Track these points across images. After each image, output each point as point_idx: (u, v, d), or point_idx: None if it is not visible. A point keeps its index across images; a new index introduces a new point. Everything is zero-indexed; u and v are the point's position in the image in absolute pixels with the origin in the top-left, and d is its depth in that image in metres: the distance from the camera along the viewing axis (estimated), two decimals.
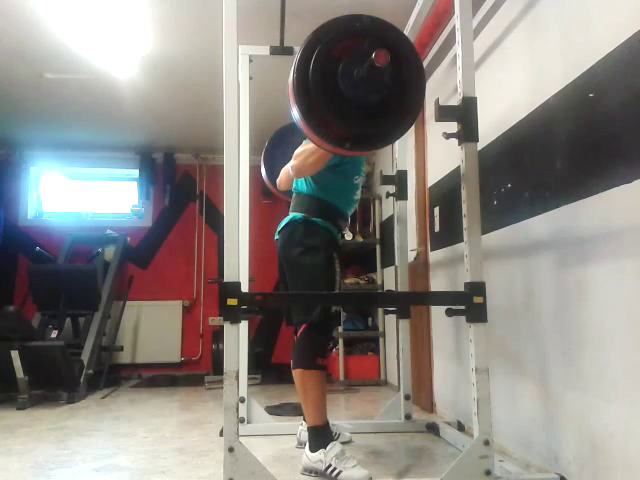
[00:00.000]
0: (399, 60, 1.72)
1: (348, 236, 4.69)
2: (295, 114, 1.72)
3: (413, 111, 1.77)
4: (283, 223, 2.30)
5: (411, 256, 3.51)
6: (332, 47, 1.70)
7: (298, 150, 2.16)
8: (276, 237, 2.33)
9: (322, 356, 2.15)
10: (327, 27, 1.74)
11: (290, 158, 2.20)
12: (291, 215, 2.30)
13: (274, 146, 2.88)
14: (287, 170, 2.37)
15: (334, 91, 1.67)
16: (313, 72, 1.67)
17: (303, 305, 2.19)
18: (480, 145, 1.94)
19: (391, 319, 4.13)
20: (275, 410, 3.38)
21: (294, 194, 2.37)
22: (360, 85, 1.67)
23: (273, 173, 2.72)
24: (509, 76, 2.37)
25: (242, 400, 2.68)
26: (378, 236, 4.85)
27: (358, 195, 2.40)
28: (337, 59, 1.68)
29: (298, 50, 1.72)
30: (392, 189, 3.00)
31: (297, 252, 2.21)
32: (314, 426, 2.09)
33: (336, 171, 2.23)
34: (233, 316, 1.76)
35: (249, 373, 2.90)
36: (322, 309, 2.14)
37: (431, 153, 3.42)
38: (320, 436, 2.06)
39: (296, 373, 2.13)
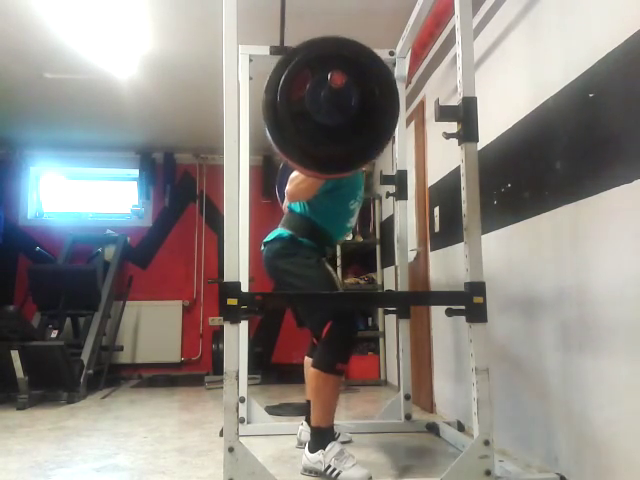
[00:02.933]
0: (365, 77, 1.71)
1: (348, 236, 4.69)
2: (270, 141, 1.73)
3: (384, 132, 1.78)
4: (270, 237, 2.30)
5: (411, 256, 3.51)
6: (299, 71, 1.69)
7: (292, 175, 2.17)
8: (262, 248, 2.33)
9: (343, 361, 2.10)
10: (295, 51, 1.74)
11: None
12: (279, 230, 2.30)
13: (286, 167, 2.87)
14: None
15: (303, 117, 1.68)
16: (281, 102, 1.67)
17: (315, 310, 2.16)
18: (480, 145, 1.94)
19: (391, 319, 4.13)
20: (275, 410, 3.38)
21: (288, 210, 2.36)
22: (325, 108, 1.67)
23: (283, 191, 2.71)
24: (509, 76, 2.37)
25: (242, 400, 2.68)
26: (378, 236, 4.85)
27: (352, 222, 2.39)
28: (303, 86, 1.68)
29: (268, 74, 1.72)
30: (392, 189, 2.99)
31: (284, 263, 2.21)
32: (318, 427, 2.09)
33: (332, 196, 2.22)
34: (233, 316, 1.75)
35: (249, 373, 2.90)
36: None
37: (431, 153, 3.42)
38: (321, 437, 2.06)
39: (313, 372, 2.10)
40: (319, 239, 2.27)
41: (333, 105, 1.67)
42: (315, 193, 2.17)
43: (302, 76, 1.69)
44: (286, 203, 2.42)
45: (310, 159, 1.73)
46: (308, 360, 2.54)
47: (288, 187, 2.19)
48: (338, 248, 4.58)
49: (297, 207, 2.29)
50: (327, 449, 2.02)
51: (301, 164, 1.77)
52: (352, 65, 1.70)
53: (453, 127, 1.90)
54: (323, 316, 2.13)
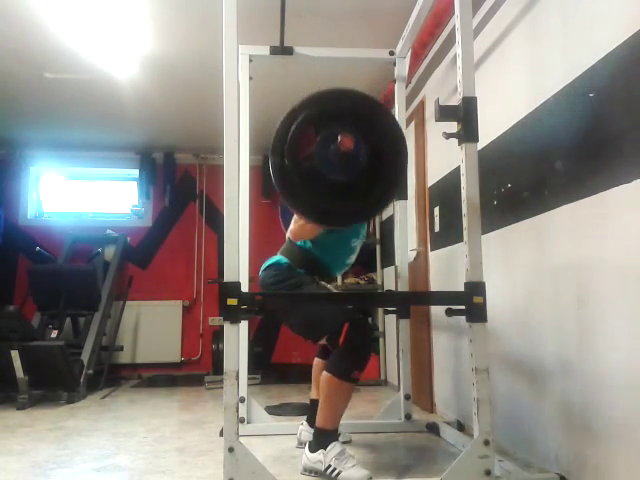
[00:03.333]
0: (374, 132, 1.74)
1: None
2: (275, 185, 1.75)
3: (392, 187, 1.81)
4: (268, 262, 2.32)
5: (411, 256, 3.51)
6: (303, 130, 1.72)
7: (297, 216, 2.18)
8: (260, 274, 2.34)
9: (360, 369, 2.07)
10: (297, 109, 1.76)
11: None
12: (278, 257, 2.32)
13: None
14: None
15: (312, 175, 1.70)
16: (289, 146, 1.70)
17: (325, 318, 2.15)
18: (480, 145, 1.94)
19: (391, 319, 4.13)
20: (275, 410, 3.38)
21: (287, 238, 2.37)
22: (332, 166, 1.69)
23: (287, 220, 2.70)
24: (509, 76, 2.37)
25: (242, 400, 2.68)
26: (378, 236, 4.85)
27: (352, 259, 2.40)
28: (309, 142, 1.71)
29: (278, 122, 1.75)
30: None
31: (280, 288, 2.21)
32: (323, 428, 2.08)
33: (334, 234, 2.23)
34: (233, 316, 1.75)
35: (249, 373, 2.90)
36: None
37: (431, 153, 3.42)
38: (323, 439, 2.06)
39: (326, 377, 2.07)
40: (317, 271, 2.28)
41: (341, 164, 1.69)
42: (318, 233, 2.19)
43: (307, 134, 1.71)
44: (286, 238, 2.42)
45: (318, 214, 1.78)
46: (317, 361, 2.54)
47: (292, 227, 2.22)
48: None
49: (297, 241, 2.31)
50: (328, 449, 2.02)
51: (309, 219, 1.84)
52: (357, 120, 1.73)
53: (453, 127, 1.90)
54: (333, 324, 2.10)
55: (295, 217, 2.22)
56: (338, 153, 1.66)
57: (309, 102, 1.75)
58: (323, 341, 2.21)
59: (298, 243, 2.30)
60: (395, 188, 1.81)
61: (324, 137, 1.69)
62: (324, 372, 2.09)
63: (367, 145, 1.72)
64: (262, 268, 2.36)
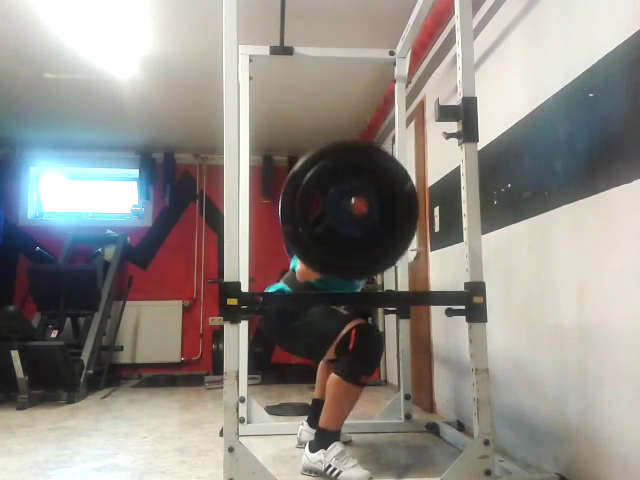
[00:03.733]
0: (390, 200, 1.76)
1: None
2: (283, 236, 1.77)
3: (400, 248, 1.83)
4: (272, 289, 2.31)
5: (411, 256, 3.51)
6: (309, 194, 1.72)
7: None
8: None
9: (369, 374, 2.08)
10: (308, 164, 1.76)
11: None
12: (281, 285, 2.31)
13: None
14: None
15: (323, 229, 1.71)
16: (298, 214, 1.71)
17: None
18: (480, 145, 1.94)
19: (391, 319, 4.13)
20: (275, 410, 3.38)
21: (291, 268, 2.35)
22: (344, 224, 1.71)
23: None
24: (509, 76, 2.37)
25: (242, 400, 2.68)
26: None
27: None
28: (317, 202, 1.72)
29: (290, 172, 1.76)
30: None
31: (284, 321, 2.21)
32: (325, 428, 2.08)
33: None
34: (233, 316, 1.75)
35: (249, 373, 2.90)
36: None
37: (431, 153, 3.42)
38: (325, 439, 2.06)
39: (334, 379, 2.06)
40: None
41: (355, 222, 1.70)
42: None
43: (314, 197, 1.72)
44: (290, 268, 2.40)
45: (331, 269, 1.81)
46: (322, 363, 2.54)
47: (299, 267, 2.18)
48: None
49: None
50: (328, 449, 2.02)
51: (322, 273, 1.86)
52: (363, 172, 1.74)
53: (453, 127, 1.90)
54: (331, 339, 2.09)
55: None
56: (351, 216, 1.67)
57: (310, 163, 1.75)
58: (329, 355, 2.17)
59: None
60: (406, 242, 1.84)
61: (333, 197, 1.71)
62: (332, 374, 2.09)
63: (377, 197, 1.73)
64: None
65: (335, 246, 1.73)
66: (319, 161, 1.74)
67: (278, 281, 2.37)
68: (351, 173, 1.74)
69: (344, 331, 2.07)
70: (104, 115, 4.73)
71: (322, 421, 2.10)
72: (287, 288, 2.27)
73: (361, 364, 2.06)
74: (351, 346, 2.04)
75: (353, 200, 1.66)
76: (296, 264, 2.26)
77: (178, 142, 5.56)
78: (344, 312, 2.23)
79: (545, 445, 2.03)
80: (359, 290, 2.41)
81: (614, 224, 1.64)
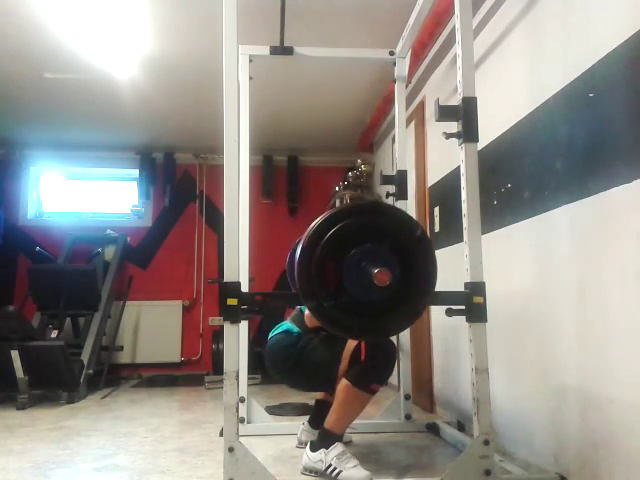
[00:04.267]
0: (410, 267, 1.76)
1: None
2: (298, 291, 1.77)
3: (416, 312, 1.86)
4: (278, 329, 2.32)
5: None
6: (323, 266, 1.73)
7: None
8: (270, 338, 2.34)
9: (380, 382, 2.09)
10: (325, 223, 1.76)
11: None
12: (288, 325, 2.31)
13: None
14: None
15: (339, 289, 1.72)
16: (319, 290, 1.71)
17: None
18: (480, 145, 1.94)
19: None
20: (275, 410, 3.38)
21: (298, 309, 2.36)
22: (364, 287, 1.70)
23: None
24: (509, 76, 2.37)
25: (242, 400, 2.68)
26: None
27: None
28: (333, 271, 1.72)
29: (300, 247, 1.75)
30: (392, 189, 2.99)
31: (288, 359, 2.21)
32: (330, 430, 2.08)
33: None
34: (233, 316, 1.75)
35: (249, 373, 2.90)
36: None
37: (431, 153, 3.42)
38: (327, 439, 2.05)
39: (345, 384, 2.06)
40: None
41: (375, 290, 1.69)
42: None
43: (330, 267, 1.73)
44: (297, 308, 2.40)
45: (346, 330, 1.82)
46: None
47: (309, 315, 2.19)
48: None
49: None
50: (329, 448, 2.02)
51: (345, 335, 1.89)
52: (375, 232, 1.76)
53: (453, 127, 1.90)
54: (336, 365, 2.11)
55: None
56: (373, 285, 1.67)
57: (317, 234, 1.75)
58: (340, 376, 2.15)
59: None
60: (421, 306, 1.87)
61: (349, 266, 1.71)
62: (343, 379, 2.08)
63: (393, 253, 1.73)
64: (272, 334, 2.35)
65: (363, 312, 1.74)
66: (327, 231, 1.74)
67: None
68: (361, 235, 1.74)
69: (352, 345, 2.08)
70: (104, 115, 4.73)
71: (328, 422, 2.10)
72: (295, 329, 2.27)
73: (373, 372, 2.07)
74: (363, 356, 2.05)
75: (375, 271, 1.65)
76: (304, 309, 2.27)
77: (178, 142, 5.56)
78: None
79: (545, 445, 2.03)
80: None
81: (614, 224, 1.64)
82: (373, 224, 1.79)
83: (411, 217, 1.95)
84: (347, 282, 1.70)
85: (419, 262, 1.79)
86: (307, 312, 2.21)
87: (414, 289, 1.78)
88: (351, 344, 2.11)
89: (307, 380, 2.29)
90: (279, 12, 2.75)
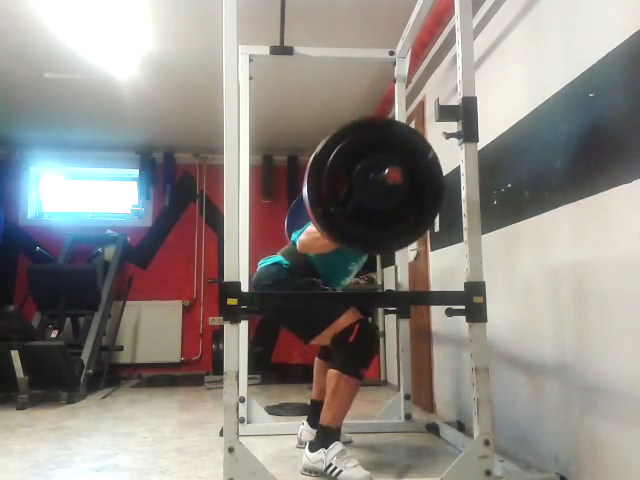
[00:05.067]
0: (419, 176, 1.76)
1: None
2: (306, 206, 1.76)
3: (425, 224, 1.84)
4: (268, 261, 2.33)
5: (411, 256, 3.51)
6: (334, 174, 1.72)
7: (310, 228, 2.17)
8: (258, 269, 2.34)
9: (366, 366, 2.13)
10: (340, 134, 1.76)
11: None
12: (279, 258, 2.32)
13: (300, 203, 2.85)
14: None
15: (352, 206, 1.71)
16: (327, 196, 1.71)
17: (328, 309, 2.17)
18: (480, 145, 1.94)
19: (391, 319, 4.13)
20: (275, 410, 3.38)
21: (291, 241, 2.37)
22: (374, 194, 1.70)
23: (293, 225, 2.67)
24: (509, 76, 2.37)
25: (242, 400, 2.68)
26: None
27: (347, 281, 2.43)
28: (344, 180, 1.71)
29: (312, 156, 1.74)
30: None
31: (274, 289, 2.21)
32: (327, 426, 2.09)
33: (337, 252, 2.21)
34: (233, 316, 1.75)
35: (249, 373, 2.90)
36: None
37: None
38: (326, 437, 2.06)
39: (334, 373, 2.10)
40: (315, 277, 2.29)
41: (384, 193, 1.70)
42: (327, 251, 2.19)
43: (340, 176, 1.72)
44: (290, 241, 2.41)
45: (357, 242, 1.80)
46: (319, 362, 2.55)
47: (304, 237, 2.21)
48: None
49: None
50: (329, 448, 2.02)
51: (337, 242, 1.84)
52: (388, 149, 1.74)
53: (453, 127, 1.90)
54: (326, 323, 2.13)
55: (309, 229, 2.19)
56: (383, 185, 1.67)
57: (331, 144, 1.75)
58: (320, 340, 2.21)
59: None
60: (437, 206, 1.84)
61: (361, 172, 1.71)
62: (330, 369, 2.12)
63: (409, 179, 1.73)
64: (260, 264, 2.36)
65: (369, 221, 1.73)
66: (340, 141, 1.74)
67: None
68: (373, 150, 1.74)
69: (346, 323, 2.10)
70: (104, 115, 4.73)
71: (324, 418, 2.10)
72: (285, 261, 2.29)
73: (360, 357, 2.11)
74: (352, 338, 2.07)
75: (387, 170, 1.65)
76: (297, 237, 2.28)
77: (178, 142, 5.56)
78: None
79: (546, 445, 2.03)
80: (349, 280, 2.43)
81: (614, 224, 1.64)
82: (386, 140, 1.78)
83: (424, 138, 1.94)
84: (356, 188, 1.70)
85: (428, 178, 1.79)
86: (301, 238, 2.21)
87: (422, 202, 1.77)
88: (342, 322, 2.11)
89: (290, 323, 2.31)
90: (279, 12, 2.74)
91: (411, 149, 1.79)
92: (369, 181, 1.69)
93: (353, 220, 1.72)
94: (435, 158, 1.82)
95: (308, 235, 2.19)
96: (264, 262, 2.36)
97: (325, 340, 2.18)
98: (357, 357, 2.11)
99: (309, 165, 1.74)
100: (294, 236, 2.36)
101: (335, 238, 1.80)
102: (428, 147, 1.83)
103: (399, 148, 1.77)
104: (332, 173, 1.71)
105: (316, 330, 2.18)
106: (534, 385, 2.13)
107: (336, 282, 2.39)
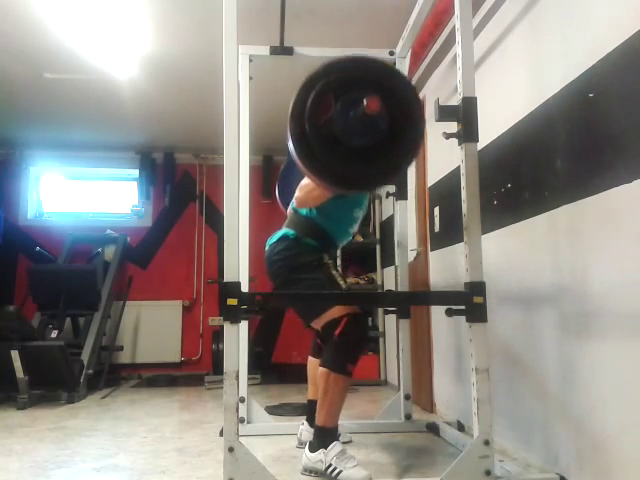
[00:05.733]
0: (397, 106, 1.74)
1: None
2: (291, 150, 1.75)
3: (409, 156, 1.81)
4: (275, 237, 2.32)
5: (411, 256, 3.51)
6: (322, 96, 1.71)
7: (303, 182, 2.18)
8: (266, 249, 2.34)
9: (353, 362, 2.11)
10: (315, 77, 1.74)
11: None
12: (284, 231, 2.31)
13: (292, 165, 2.85)
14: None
15: (330, 138, 1.70)
16: (309, 113, 1.69)
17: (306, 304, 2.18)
18: (480, 145, 1.94)
19: (391, 319, 4.13)
20: (275, 410, 3.38)
21: (291, 210, 2.37)
22: (353, 130, 1.69)
23: (285, 191, 2.68)
24: (509, 76, 2.37)
25: (242, 400, 2.68)
26: (378, 236, 4.85)
27: (355, 228, 2.42)
28: (328, 107, 1.70)
29: (296, 89, 1.73)
30: (392, 189, 2.99)
31: (286, 266, 2.21)
32: (323, 426, 2.09)
33: (338, 202, 2.23)
34: (233, 316, 1.76)
35: (249, 373, 2.90)
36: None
37: (431, 153, 3.42)
38: (324, 437, 2.06)
39: (323, 372, 2.10)
40: (323, 240, 2.28)
41: (363, 128, 1.69)
42: (324, 201, 2.19)
43: (326, 100, 1.71)
44: (290, 210, 2.42)
45: (338, 179, 1.77)
46: (312, 360, 2.55)
47: (299, 194, 2.21)
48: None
49: (303, 209, 2.31)
50: (328, 448, 2.02)
51: (323, 180, 1.81)
52: (377, 87, 1.72)
53: (453, 127, 1.90)
54: (323, 309, 2.14)
55: (301, 184, 2.19)
56: (361, 116, 1.66)
57: (328, 69, 1.75)
58: (315, 325, 2.22)
59: (303, 213, 2.29)
60: (413, 153, 1.81)
61: (345, 102, 1.70)
62: (319, 368, 2.12)
63: (387, 110, 1.72)
64: (268, 243, 2.35)
65: (340, 153, 1.71)
66: (338, 70, 1.74)
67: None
68: (366, 85, 1.73)
69: (336, 315, 2.09)
70: (104, 115, 4.73)
71: (319, 419, 2.11)
72: (290, 232, 2.28)
73: (346, 353, 2.10)
74: (338, 331, 2.07)
75: (366, 100, 1.64)
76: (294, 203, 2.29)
77: (178, 142, 5.56)
78: (344, 285, 2.20)
79: (546, 445, 2.03)
80: (357, 226, 2.42)
81: (614, 224, 1.64)
82: (369, 77, 1.77)
83: (406, 76, 1.93)
84: (337, 116, 1.69)
85: (409, 117, 1.76)
86: (301, 184, 2.20)
87: (404, 137, 1.75)
88: (332, 313, 2.10)
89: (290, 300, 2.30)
90: (279, 12, 2.74)
91: (392, 86, 1.77)
92: (351, 115, 1.68)
93: (326, 145, 1.70)
94: (415, 94, 1.80)
95: (302, 190, 2.19)
96: (271, 240, 2.34)
97: (318, 325, 2.19)
98: (342, 353, 2.09)
99: (301, 83, 1.73)
100: (292, 204, 2.35)
101: (320, 177, 1.77)
102: (408, 83, 1.82)
103: (380, 85, 1.75)
104: (321, 95, 1.70)
105: (312, 315, 2.20)
106: (535, 385, 2.13)
107: (345, 233, 2.38)
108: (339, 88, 1.72)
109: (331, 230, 2.30)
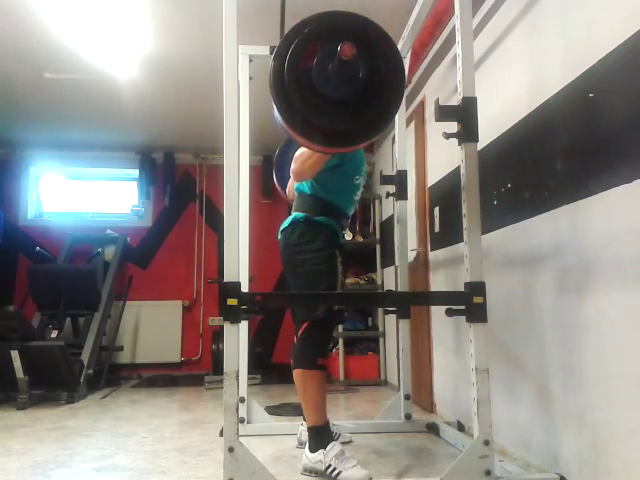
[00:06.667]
0: (373, 53, 1.72)
1: (348, 236, 4.69)
2: (276, 114, 1.73)
3: (389, 108, 1.77)
4: (286, 223, 2.31)
5: (411, 256, 3.51)
6: (304, 46, 1.71)
7: (297, 153, 2.17)
8: (279, 237, 2.34)
9: (323, 356, 2.15)
10: (306, 23, 1.77)
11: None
12: (293, 215, 2.31)
13: (286, 150, 2.85)
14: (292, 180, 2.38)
15: (310, 88, 1.68)
16: (288, 70, 1.69)
17: (306, 304, 2.19)
18: (480, 145, 1.94)
19: (391, 319, 4.13)
20: (275, 410, 3.38)
21: (296, 194, 2.37)
22: (332, 80, 1.68)
23: (283, 177, 2.69)
24: (509, 76, 2.37)
25: (242, 400, 2.68)
26: (378, 236, 4.85)
27: (359, 195, 2.41)
28: (310, 57, 1.70)
29: (274, 50, 1.74)
30: (392, 189, 2.99)
31: (298, 252, 2.21)
32: (314, 426, 2.10)
33: (336, 172, 2.23)
34: (233, 316, 1.76)
35: (249, 373, 2.90)
36: (325, 307, 2.14)
37: (431, 153, 3.42)
38: (320, 436, 2.07)
39: (296, 373, 2.14)
40: (334, 214, 2.28)
41: (341, 77, 1.67)
42: (320, 169, 2.16)
43: (311, 48, 1.70)
44: (290, 186, 2.41)
45: (315, 131, 1.72)
46: None
47: (293, 166, 2.18)
48: None
49: (306, 188, 2.30)
50: (328, 448, 2.02)
51: (305, 136, 1.75)
52: (361, 40, 1.71)
53: (453, 127, 1.90)
54: (303, 317, 2.20)
55: (295, 155, 2.18)
56: (338, 63, 1.65)
57: (320, 18, 1.77)
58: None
59: (307, 192, 2.29)
60: (392, 109, 1.78)
61: (326, 52, 1.69)
62: (293, 370, 2.16)
63: (367, 64, 1.71)
64: (280, 230, 2.34)
65: (317, 102, 1.69)
66: (328, 20, 1.77)
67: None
68: (350, 38, 1.71)
69: (304, 320, 2.17)
70: (104, 115, 4.73)
71: (308, 420, 2.13)
72: (299, 214, 2.27)
73: (312, 349, 2.15)
74: (299, 332, 2.16)
75: (340, 46, 1.63)
76: (300, 187, 2.31)
77: (178, 142, 5.56)
78: (339, 277, 2.23)
79: (546, 445, 2.03)
80: (360, 193, 2.41)
81: (614, 224, 1.64)
82: (352, 29, 1.77)
83: (381, 27, 1.88)
84: (315, 66, 1.68)
85: (387, 59, 1.75)
86: (293, 165, 2.19)
87: (385, 89, 1.74)
88: (303, 319, 2.17)
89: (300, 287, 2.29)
90: (279, 12, 2.74)
91: (369, 39, 1.77)
92: (328, 69, 1.68)
93: (303, 92, 1.68)
94: (392, 45, 1.79)
95: (296, 161, 2.17)
96: (283, 226, 2.33)
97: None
98: (309, 349, 2.14)
99: (293, 26, 1.77)
100: (296, 185, 2.36)
101: (300, 132, 1.74)
102: (384, 33, 1.81)
103: (357, 36, 1.74)
104: (307, 40, 1.72)
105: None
106: (535, 386, 2.13)
107: (351, 201, 2.37)
108: (325, 38, 1.71)
109: (337, 201, 2.29)
